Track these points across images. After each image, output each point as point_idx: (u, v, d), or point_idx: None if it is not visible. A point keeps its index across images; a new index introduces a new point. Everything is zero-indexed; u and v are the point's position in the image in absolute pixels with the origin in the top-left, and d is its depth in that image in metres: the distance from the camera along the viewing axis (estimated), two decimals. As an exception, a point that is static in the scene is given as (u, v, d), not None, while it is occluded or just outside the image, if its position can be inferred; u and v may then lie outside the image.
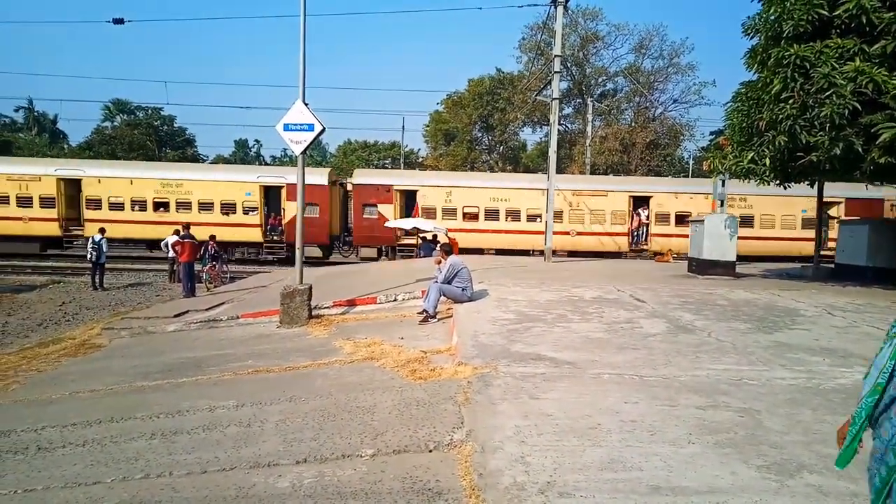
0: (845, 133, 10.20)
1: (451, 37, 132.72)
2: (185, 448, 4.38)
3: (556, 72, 18.96)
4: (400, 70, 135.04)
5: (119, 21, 19.77)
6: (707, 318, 8.22)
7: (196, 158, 60.52)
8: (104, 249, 18.42)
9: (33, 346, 10.21)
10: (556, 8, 18.39)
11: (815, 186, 14.49)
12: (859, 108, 9.92)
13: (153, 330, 10.42)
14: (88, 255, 18.42)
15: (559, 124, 22.14)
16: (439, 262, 9.71)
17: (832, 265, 15.30)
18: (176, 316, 11.33)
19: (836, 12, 10.38)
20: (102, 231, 19.34)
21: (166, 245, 20.54)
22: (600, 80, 44.88)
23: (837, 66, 10.05)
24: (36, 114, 62.15)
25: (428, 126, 53.91)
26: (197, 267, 20.80)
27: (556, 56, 18.91)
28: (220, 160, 68.29)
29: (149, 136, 57.37)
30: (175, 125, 62.38)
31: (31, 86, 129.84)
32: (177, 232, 18.49)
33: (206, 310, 11.89)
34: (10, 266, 22.75)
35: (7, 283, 18.67)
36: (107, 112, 59.81)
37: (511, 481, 3.26)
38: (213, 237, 20.67)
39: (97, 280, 18.18)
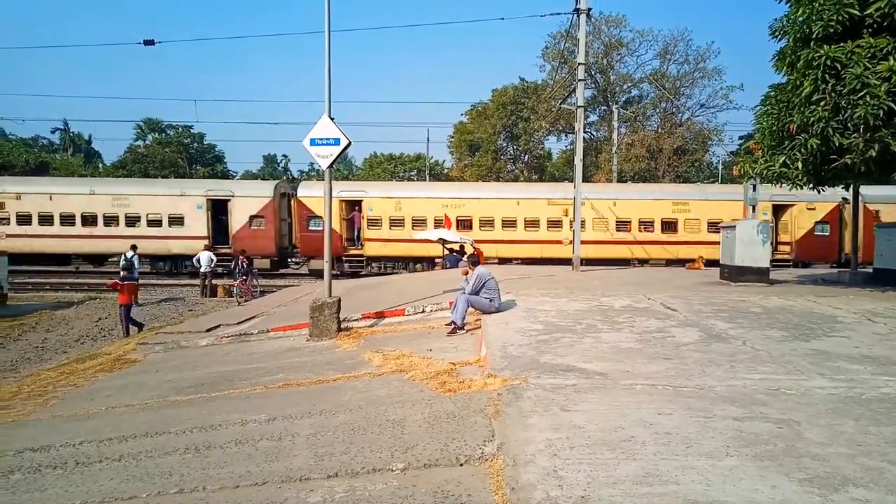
0: (880, 134, 9.94)
1: (475, 48, 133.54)
2: (218, 462, 4.42)
3: (580, 80, 18.88)
4: (424, 82, 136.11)
5: (150, 42, 20.28)
6: (741, 326, 8.04)
7: (226, 175, 61.61)
8: (136, 266, 18.82)
9: (71, 361, 10.45)
10: (578, 16, 18.34)
11: (851, 189, 14.14)
12: (895, 108, 9.67)
13: (186, 344, 10.58)
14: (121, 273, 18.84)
15: (584, 132, 22.01)
16: (466, 273, 9.69)
17: (870, 270, 14.88)
18: (208, 330, 11.51)
19: (868, 11, 10.16)
20: (134, 248, 19.79)
21: (198, 260, 20.95)
22: (625, 86, 44.58)
23: (870, 65, 9.82)
24: (71, 134, 64.13)
25: (452, 137, 54.10)
26: (229, 281, 21.17)
27: (579, 64, 18.83)
28: (248, 175, 69.46)
29: (179, 153, 58.59)
30: (205, 142, 63.68)
31: (66, 108, 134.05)
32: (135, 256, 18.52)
33: (238, 324, 12.04)
34: (49, 283, 23.41)
35: (47, 300, 19.18)
36: (139, 131, 61.41)
37: (544, 495, 3.20)
38: (243, 251, 21.00)
39: (131, 296, 18.55)
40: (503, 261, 25.35)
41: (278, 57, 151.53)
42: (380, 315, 10.82)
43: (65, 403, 7.23)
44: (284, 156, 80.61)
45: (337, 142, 9.60)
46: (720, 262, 15.21)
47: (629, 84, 44.40)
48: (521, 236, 25.71)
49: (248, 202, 26.05)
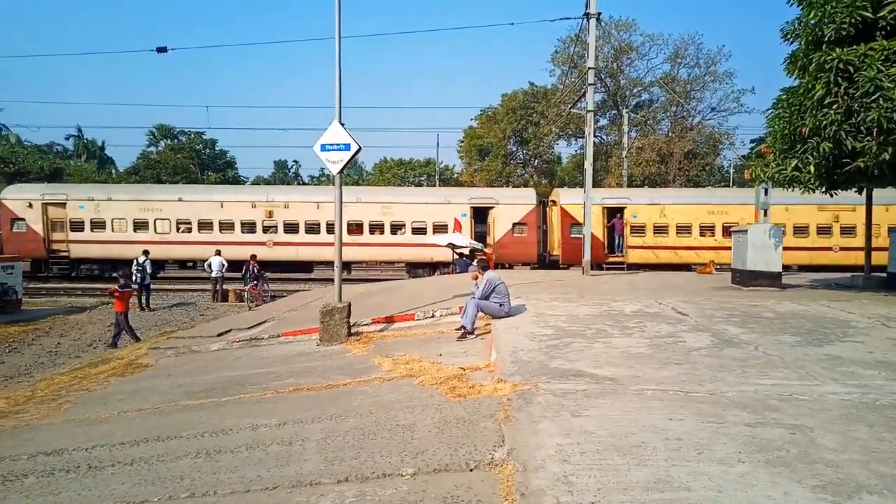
0: (894, 137, 9.86)
1: (485, 53, 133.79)
2: (229, 467, 4.44)
3: (590, 84, 18.86)
4: (434, 87, 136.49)
5: (163, 49, 20.46)
6: (753, 331, 7.98)
7: (237, 180, 61.91)
8: (148, 271, 18.97)
9: (84, 366, 10.55)
10: (588, 20, 18.32)
11: (864, 193, 14.01)
12: (908, 111, 9.58)
13: (197, 349, 10.64)
14: (133, 277, 19.00)
15: (594, 136, 21.94)
16: (476, 278, 9.68)
17: (884, 274, 14.72)
18: (219, 335, 11.56)
19: (881, 13, 10.10)
20: (146, 253, 19.96)
21: (209, 265, 21.08)
22: (635, 90, 44.44)
23: (883, 68, 9.75)
24: (85, 141, 64.67)
25: (462, 142, 54.15)
26: (239, 286, 21.28)
27: (589, 68, 18.82)
28: (259, 181, 69.75)
29: (191, 159, 58.92)
30: (216, 148, 64.05)
31: (80, 114, 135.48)
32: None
33: (248, 328, 12.09)
34: (63, 288, 23.63)
35: (60, 305, 19.36)
36: (151, 137, 61.78)
37: (554, 501, 3.19)
38: (254, 257, 21.08)
39: (143, 301, 18.71)
40: None
41: (281, 60, 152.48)
42: (390, 320, 10.84)
43: (78, 408, 7.30)
44: (295, 161, 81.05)
45: (347, 147, 9.65)
46: (731, 266, 15.11)
47: (639, 88, 44.27)
48: (789, 243, 25.15)
49: (511, 210, 26.05)
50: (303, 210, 26.06)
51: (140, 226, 25.93)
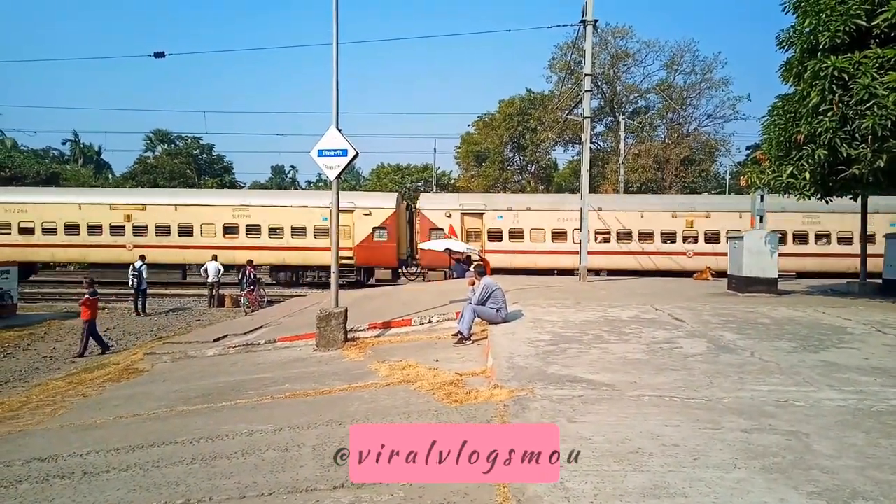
0: (888, 144, 9.92)
1: (482, 59, 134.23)
2: (225, 473, 4.42)
3: (586, 90, 18.95)
4: (431, 93, 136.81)
5: (160, 55, 20.47)
6: (749, 337, 8.00)
7: (234, 185, 61.83)
8: (144, 276, 18.91)
9: (79, 371, 10.50)
10: (585, 27, 18.43)
11: (859, 200, 14.07)
12: (903, 118, 9.64)
13: (193, 354, 10.61)
14: (130, 282, 18.93)
15: (591, 142, 22.01)
16: (473, 284, 9.68)
17: (880, 280, 14.77)
18: (215, 340, 11.53)
19: (875, 22, 10.18)
20: (143, 258, 19.90)
21: (205, 270, 21.03)
22: (632, 97, 44.66)
23: (878, 76, 9.82)
24: (81, 146, 64.55)
25: (459, 148, 54.24)
26: (236, 291, 21.23)
27: (586, 75, 18.91)
28: (256, 186, 69.69)
29: (189, 164, 58.85)
30: (214, 153, 63.99)
31: (76, 119, 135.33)
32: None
33: (245, 334, 12.06)
34: (59, 293, 23.54)
35: (56, 311, 19.27)
36: (148, 142, 61.72)
37: (550, 508, 3.19)
38: (250, 262, 21.04)
39: (139, 306, 18.65)
40: None
41: (280, 64, 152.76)
42: (386, 325, 10.82)
43: (73, 413, 7.26)
44: (292, 166, 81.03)
45: (344, 153, 9.65)
46: (728, 272, 15.15)
47: (636, 94, 44.51)
48: None
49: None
50: (723, 220, 25.44)
51: (557, 235, 25.82)
